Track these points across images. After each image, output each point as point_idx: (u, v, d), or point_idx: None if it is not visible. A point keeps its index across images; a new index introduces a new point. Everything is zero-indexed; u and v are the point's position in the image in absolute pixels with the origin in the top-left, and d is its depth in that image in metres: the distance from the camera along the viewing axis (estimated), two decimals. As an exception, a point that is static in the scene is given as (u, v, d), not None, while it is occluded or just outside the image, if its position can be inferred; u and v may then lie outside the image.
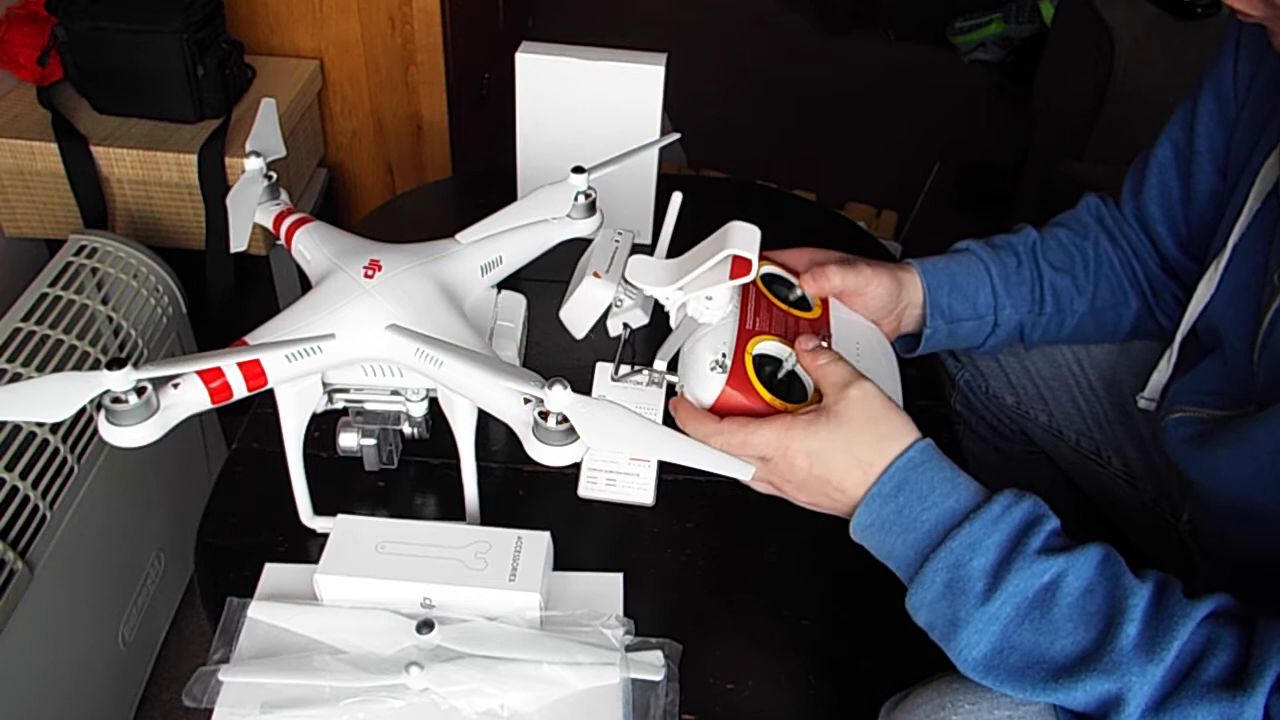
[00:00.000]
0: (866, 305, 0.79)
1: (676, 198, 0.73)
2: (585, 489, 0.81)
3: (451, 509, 0.79)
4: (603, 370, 0.81)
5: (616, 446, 0.57)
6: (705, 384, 0.66)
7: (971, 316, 0.84)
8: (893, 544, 0.61)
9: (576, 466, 0.59)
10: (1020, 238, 0.86)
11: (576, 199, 0.77)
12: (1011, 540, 0.58)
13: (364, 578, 0.68)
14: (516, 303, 0.85)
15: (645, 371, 0.70)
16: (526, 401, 0.60)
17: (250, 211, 0.76)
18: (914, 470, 0.61)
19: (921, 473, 0.61)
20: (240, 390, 0.62)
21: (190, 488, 1.21)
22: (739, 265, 0.66)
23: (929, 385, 0.97)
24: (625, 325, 0.73)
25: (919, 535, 0.60)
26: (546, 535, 0.71)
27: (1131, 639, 0.53)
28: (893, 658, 0.73)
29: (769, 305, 0.72)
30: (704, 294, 0.68)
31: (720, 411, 0.66)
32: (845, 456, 0.62)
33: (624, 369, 0.72)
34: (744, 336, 0.68)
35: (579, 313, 0.72)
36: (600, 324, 0.73)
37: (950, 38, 2.69)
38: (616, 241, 0.74)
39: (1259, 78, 0.74)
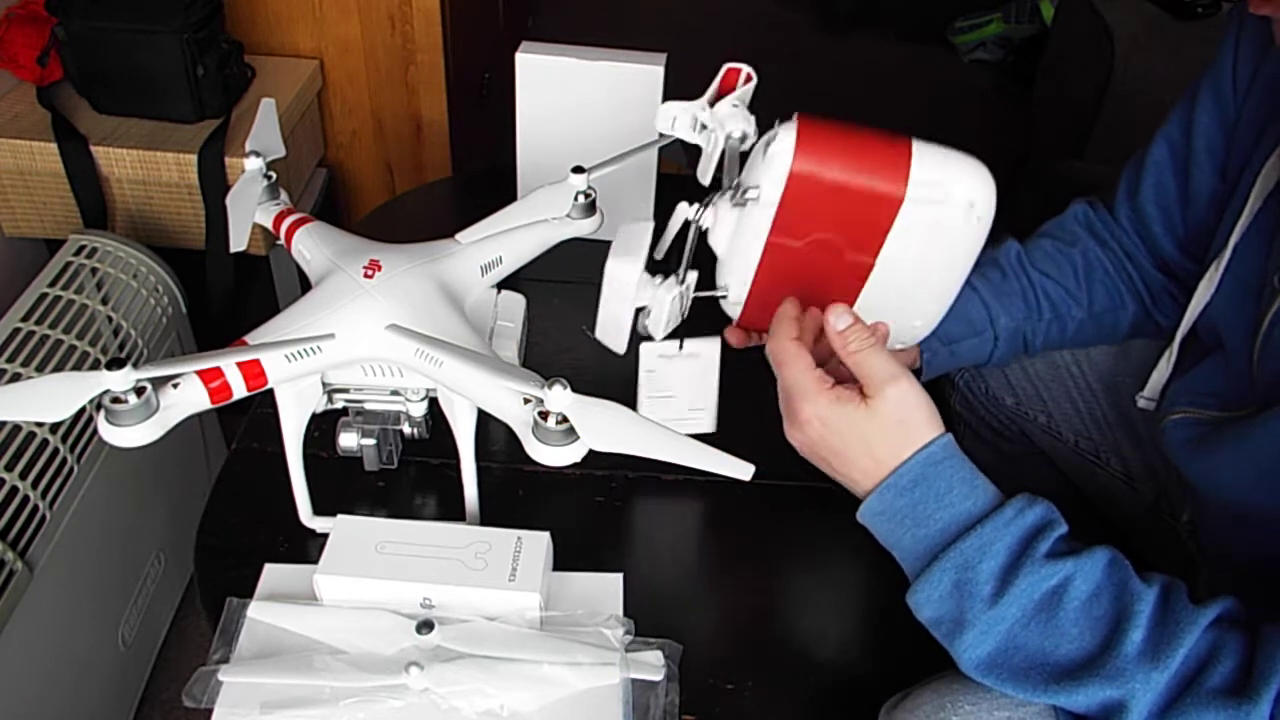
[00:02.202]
0: None
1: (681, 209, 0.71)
2: None
3: (451, 509, 0.79)
4: (648, 351, 0.77)
5: (617, 446, 0.57)
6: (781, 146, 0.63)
7: (969, 334, 0.83)
8: (901, 536, 0.61)
9: (576, 466, 0.59)
10: (1002, 251, 0.86)
11: (576, 199, 0.77)
12: (1021, 544, 0.58)
13: (364, 578, 0.68)
14: (516, 303, 0.85)
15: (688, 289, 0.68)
16: (526, 401, 0.60)
17: (250, 211, 0.76)
18: (933, 466, 0.61)
19: (941, 470, 0.61)
20: (240, 390, 0.62)
21: (190, 488, 1.21)
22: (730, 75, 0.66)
23: (929, 385, 0.97)
24: (688, 222, 0.69)
25: (930, 533, 0.60)
26: (546, 535, 0.71)
27: (1136, 645, 0.53)
28: (893, 658, 0.73)
29: None
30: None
31: (797, 184, 0.63)
32: (861, 447, 0.62)
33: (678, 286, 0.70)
34: None
35: (612, 311, 0.69)
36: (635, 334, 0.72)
37: (950, 38, 2.69)
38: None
39: (1259, 79, 0.74)
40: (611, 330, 0.70)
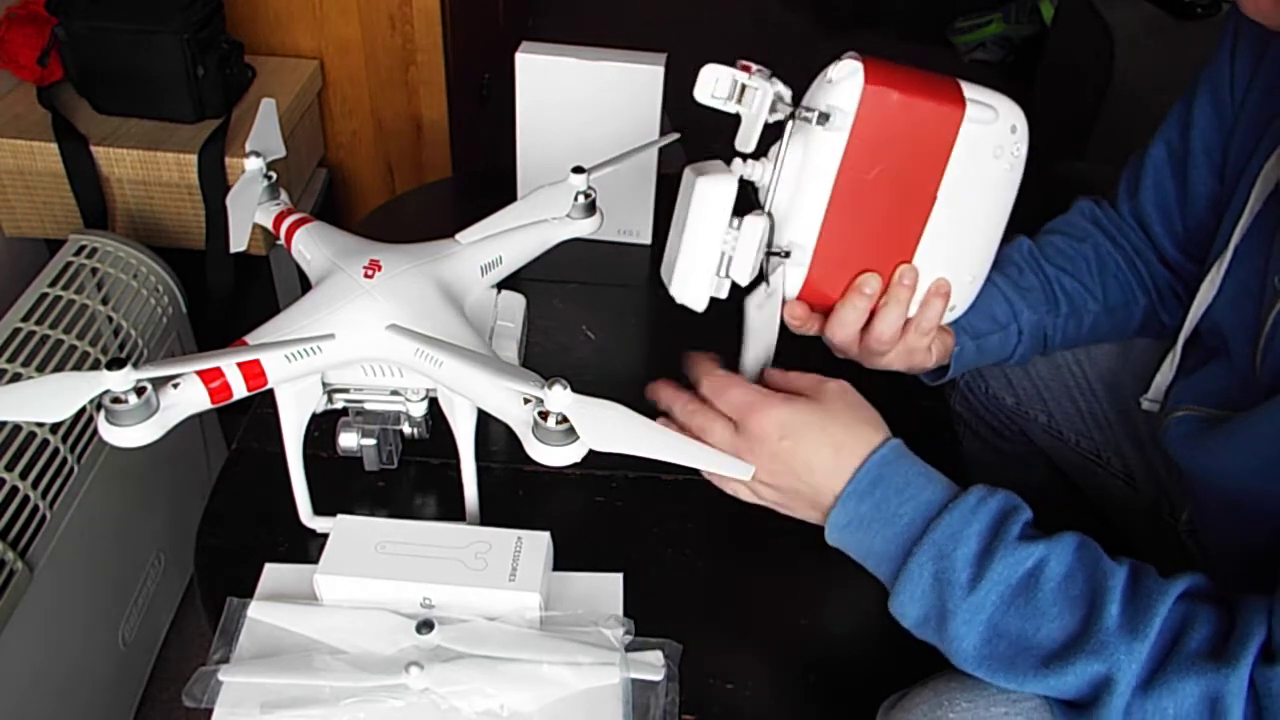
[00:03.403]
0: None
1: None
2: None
3: (451, 509, 0.79)
4: (752, 304, 0.73)
5: (617, 446, 0.57)
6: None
7: (994, 329, 0.83)
8: (872, 540, 0.62)
9: (576, 466, 0.59)
10: (1014, 248, 0.86)
11: (576, 199, 0.77)
12: (991, 529, 0.59)
13: (364, 578, 0.68)
14: (516, 303, 0.85)
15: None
16: (526, 401, 0.60)
17: (250, 211, 0.76)
18: (888, 466, 0.62)
19: (896, 468, 0.62)
20: (240, 390, 0.62)
21: (190, 488, 1.21)
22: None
23: (929, 385, 0.97)
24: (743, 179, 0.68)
25: (899, 529, 0.61)
26: (546, 535, 0.71)
27: (1115, 618, 0.54)
28: (892, 657, 0.73)
29: None
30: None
31: (871, 100, 0.64)
32: (818, 434, 0.64)
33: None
34: None
35: (695, 249, 0.66)
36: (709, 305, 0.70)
37: (950, 38, 2.69)
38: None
39: (1257, 80, 0.74)
40: (692, 278, 0.67)
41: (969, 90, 0.67)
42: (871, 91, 0.64)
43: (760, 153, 0.68)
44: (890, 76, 0.65)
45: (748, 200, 0.70)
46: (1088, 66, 1.69)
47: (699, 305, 0.69)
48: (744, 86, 0.66)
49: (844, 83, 0.65)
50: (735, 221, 0.67)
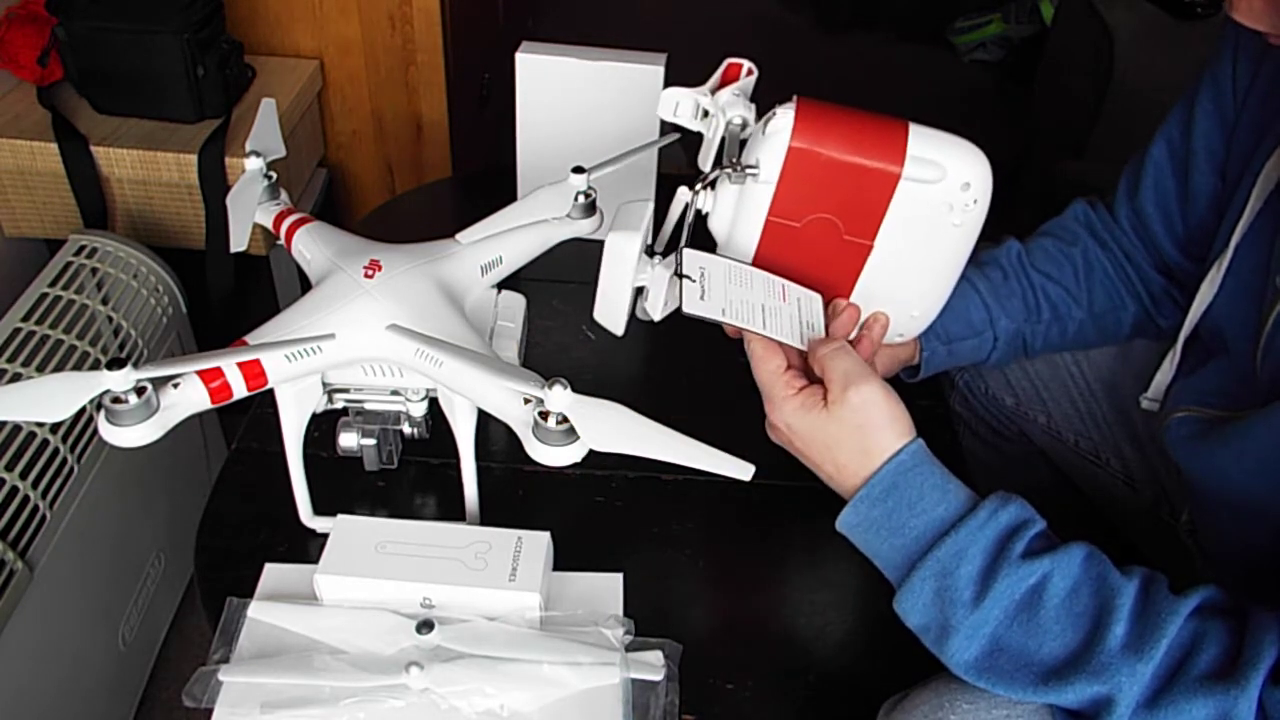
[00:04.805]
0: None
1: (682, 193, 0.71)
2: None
3: (451, 509, 0.79)
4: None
5: (617, 447, 0.57)
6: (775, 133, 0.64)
7: (969, 334, 0.83)
8: (879, 546, 0.62)
9: (576, 466, 0.59)
10: (1003, 251, 0.86)
11: (576, 199, 0.77)
12: (997, 546, 0.58)
13: (364, 578, 0.68)
14: (516, 303, 0.85)
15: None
16: (526, 401, 0.60)
17: (250, 211, 0.76)
18: (904, 475, 0.61)
19: (911, 478, 0.61)
20: (240, 390, 0.62)
21: (190, 488, 1.21)
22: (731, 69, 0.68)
23: (929, 385, 0.97)
24: (688, 206, 0.69)
25: (906, 541, 0.60)
26: (546, 535, 0.71)
27: (1119, 639, 0.54)
28: (893, 657, 0.73)
29: None
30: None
31: (796, 160, 0.64)
32: (824, 453, 0.64)
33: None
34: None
35: (611, 288, 0.68)
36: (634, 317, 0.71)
37: (950, 38, 2.69)
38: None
39: (1259, 80, 0.74)
40: (609, 310, 0.70)
41: (917, 144, 0.65)
42: (797, 150, 0.64)
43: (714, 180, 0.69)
44: (823, 132, 0.64)
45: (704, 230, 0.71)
46: (1088, 67, 1.69)
47: (617, 330, 0.70)
48: (705, 111, 0.68)
49: (773, 139, 0.65)
50: (655, 260, 0.69)
